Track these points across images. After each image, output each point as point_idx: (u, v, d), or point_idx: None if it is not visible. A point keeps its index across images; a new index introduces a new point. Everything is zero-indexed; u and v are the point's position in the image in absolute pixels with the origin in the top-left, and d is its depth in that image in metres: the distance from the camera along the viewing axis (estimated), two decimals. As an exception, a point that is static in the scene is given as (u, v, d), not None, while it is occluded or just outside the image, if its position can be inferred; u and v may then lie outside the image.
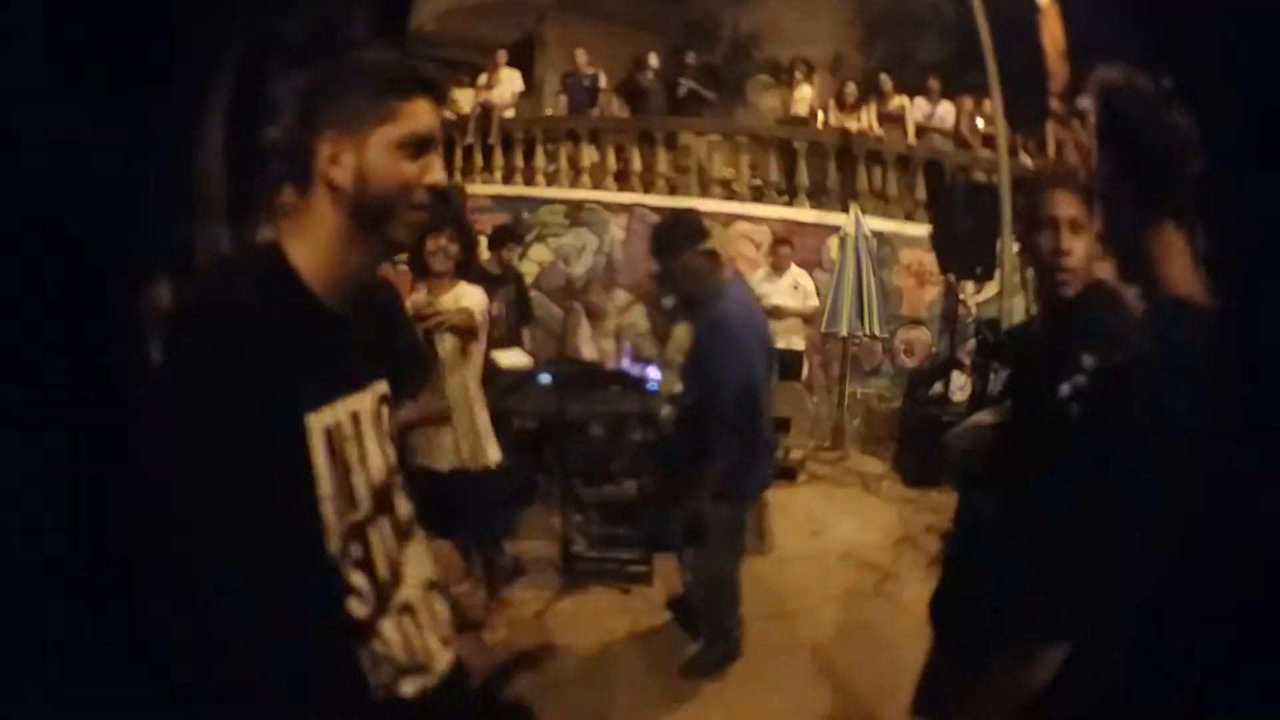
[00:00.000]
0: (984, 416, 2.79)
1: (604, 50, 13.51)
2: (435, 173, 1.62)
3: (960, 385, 8.52)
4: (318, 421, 1.53)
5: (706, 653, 4.71)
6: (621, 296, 10.53)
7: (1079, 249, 2.51)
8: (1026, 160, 9.89)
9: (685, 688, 4.52)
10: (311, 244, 1.56)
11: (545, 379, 6.86)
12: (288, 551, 1.47)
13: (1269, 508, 1.17)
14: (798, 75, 12.51)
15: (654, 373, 7.20)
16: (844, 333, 9.13)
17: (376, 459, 1.66)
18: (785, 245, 9.05)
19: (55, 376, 1.15)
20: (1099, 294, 2.51)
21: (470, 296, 4.49)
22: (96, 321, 1.22)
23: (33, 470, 1.14)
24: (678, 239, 4.45)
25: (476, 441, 4.60)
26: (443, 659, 1.75)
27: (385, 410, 1.72)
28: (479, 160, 12.56)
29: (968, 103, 11.36)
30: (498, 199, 11.84)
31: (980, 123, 11.24)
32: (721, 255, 4.72)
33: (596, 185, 12.07)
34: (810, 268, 9.39)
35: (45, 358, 1.15)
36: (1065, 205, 2.53)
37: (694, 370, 4.51)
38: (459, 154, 12.65)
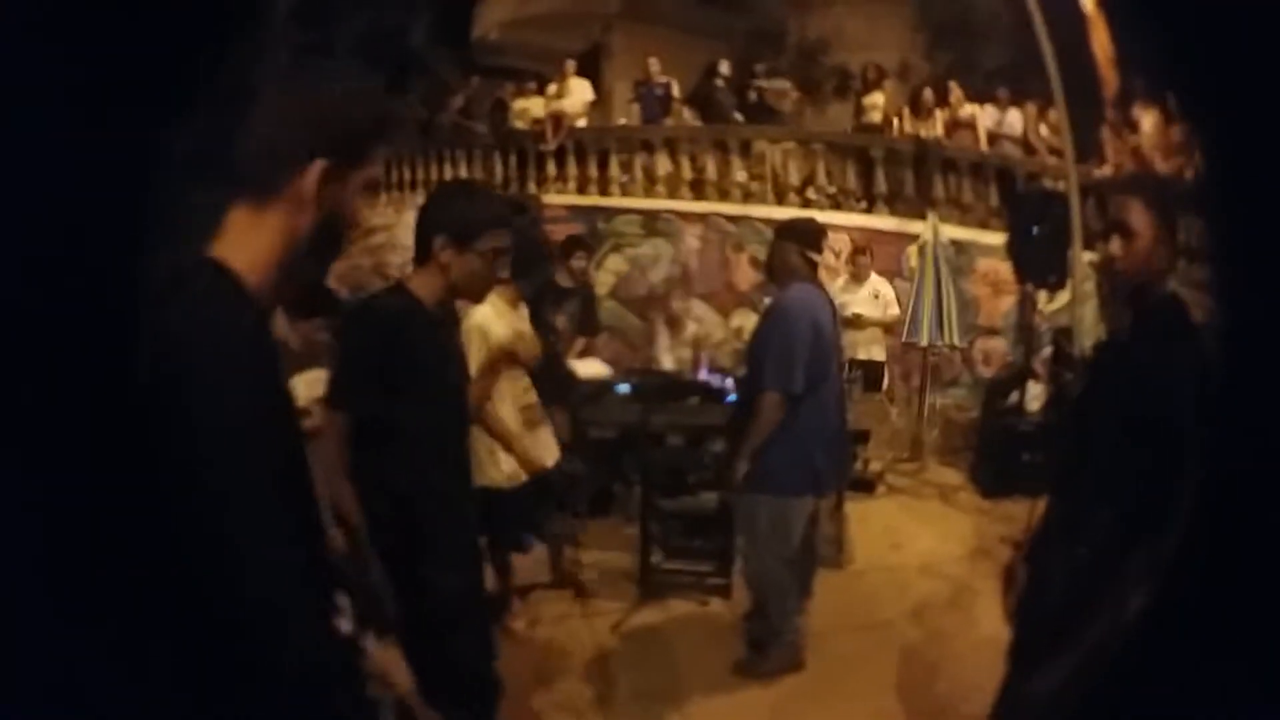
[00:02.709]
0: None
1: (671, 58, 13.59)
2: None
3: (1035, 395, 8.46)
4: None
5: (761, 656, 4.78)
6: (698, 306, 10.56)
7: (1134, 254, 2.57)
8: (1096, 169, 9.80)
9: (758, 699, 4.57)
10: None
11: (624, 389, 6.91)
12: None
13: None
14: (871, 80, 12.45)
15: (730, 383, 7.23)
16: (924, 342, 9.03)
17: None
18: (864, 254, 9.01)
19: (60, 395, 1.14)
20: (1171, 306, 2.55)
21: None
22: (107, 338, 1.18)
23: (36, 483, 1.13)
24: (795, 233, 4.85)
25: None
26: None
27: None
28: (552, 170, 12.67)
29: (1031, 109, 11.27)
30: (573, 209, 11.92)
31: (1044, 130, 11.15)
32: (819, 267, 4.90)
33: (671, 195, 12.11)
34: (890, 276, 9.34)
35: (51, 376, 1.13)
36: (1125, 211, 2.58)
37: (750, 350, 4.82)
38: (532, 163, 12.76)
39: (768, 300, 4.80)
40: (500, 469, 4.56)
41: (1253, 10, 1.12)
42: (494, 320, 4.52)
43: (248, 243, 1.52)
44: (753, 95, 13.07)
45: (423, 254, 2.90)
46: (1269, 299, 1.18)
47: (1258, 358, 1.22)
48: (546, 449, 4.91)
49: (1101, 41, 9.87)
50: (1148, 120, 9.43)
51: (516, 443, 4.56)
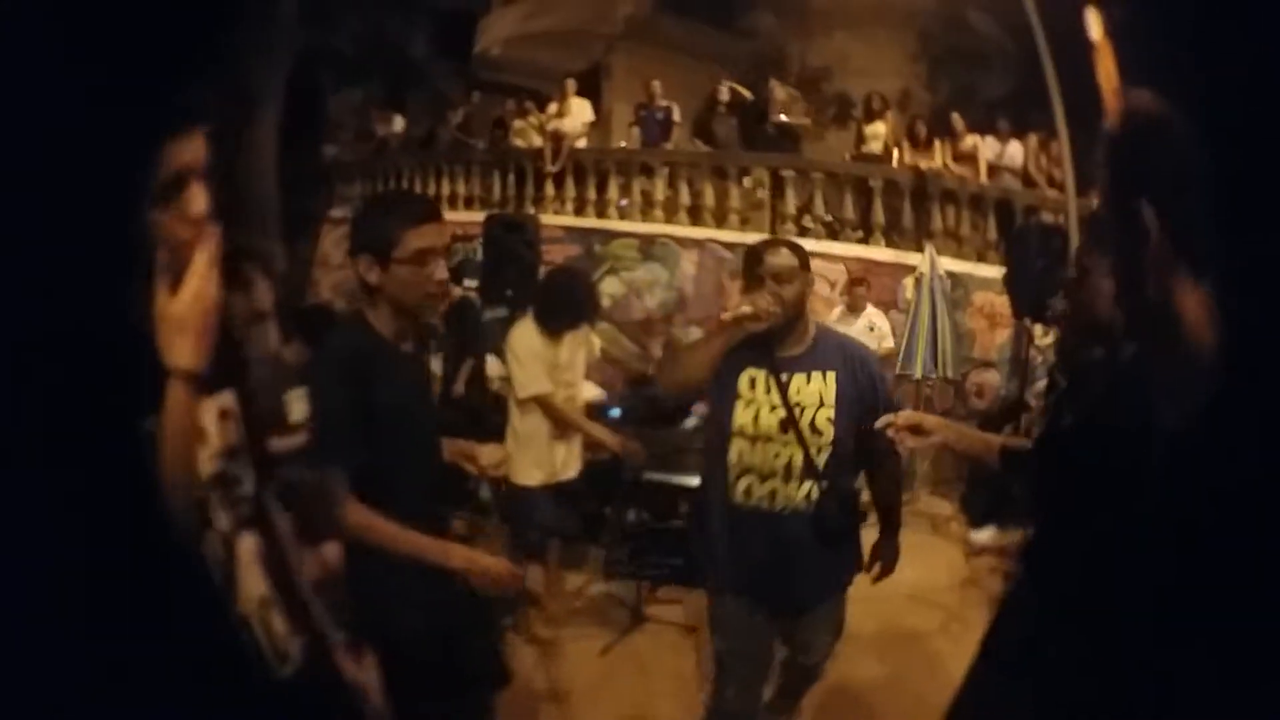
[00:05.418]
0: None
1: (672, 82, 13.53)
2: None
3: (1029, 427, 8.43)
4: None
5: (796, 698, 4.47)
6: (695, 332, 10.52)
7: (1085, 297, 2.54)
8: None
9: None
10: None
11: (615, 413, 6.88)
12: None
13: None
14: (874, 109, 12.41)
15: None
16: (918, 375, 9.06)
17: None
18: (861, 285, 9.00)
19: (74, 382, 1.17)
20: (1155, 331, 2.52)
21: None
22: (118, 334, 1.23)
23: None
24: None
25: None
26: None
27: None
28: (550, 191, 12.65)
29: (1033, 141, 11.27)
30: (570, 231, 11.92)
31: (1044, 161, 11.14)
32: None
33: (669, 219, 12.11)
34: (886, 308, 9.34)
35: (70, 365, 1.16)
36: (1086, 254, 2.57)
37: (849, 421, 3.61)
38: (531, 182, 12.77)
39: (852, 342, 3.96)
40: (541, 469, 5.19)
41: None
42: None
43: None
44: (772, 128, 13.04)
45: (363, 281, 2.68)
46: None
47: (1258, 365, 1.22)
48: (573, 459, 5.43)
49: (1107, 70, 9.91)
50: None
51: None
